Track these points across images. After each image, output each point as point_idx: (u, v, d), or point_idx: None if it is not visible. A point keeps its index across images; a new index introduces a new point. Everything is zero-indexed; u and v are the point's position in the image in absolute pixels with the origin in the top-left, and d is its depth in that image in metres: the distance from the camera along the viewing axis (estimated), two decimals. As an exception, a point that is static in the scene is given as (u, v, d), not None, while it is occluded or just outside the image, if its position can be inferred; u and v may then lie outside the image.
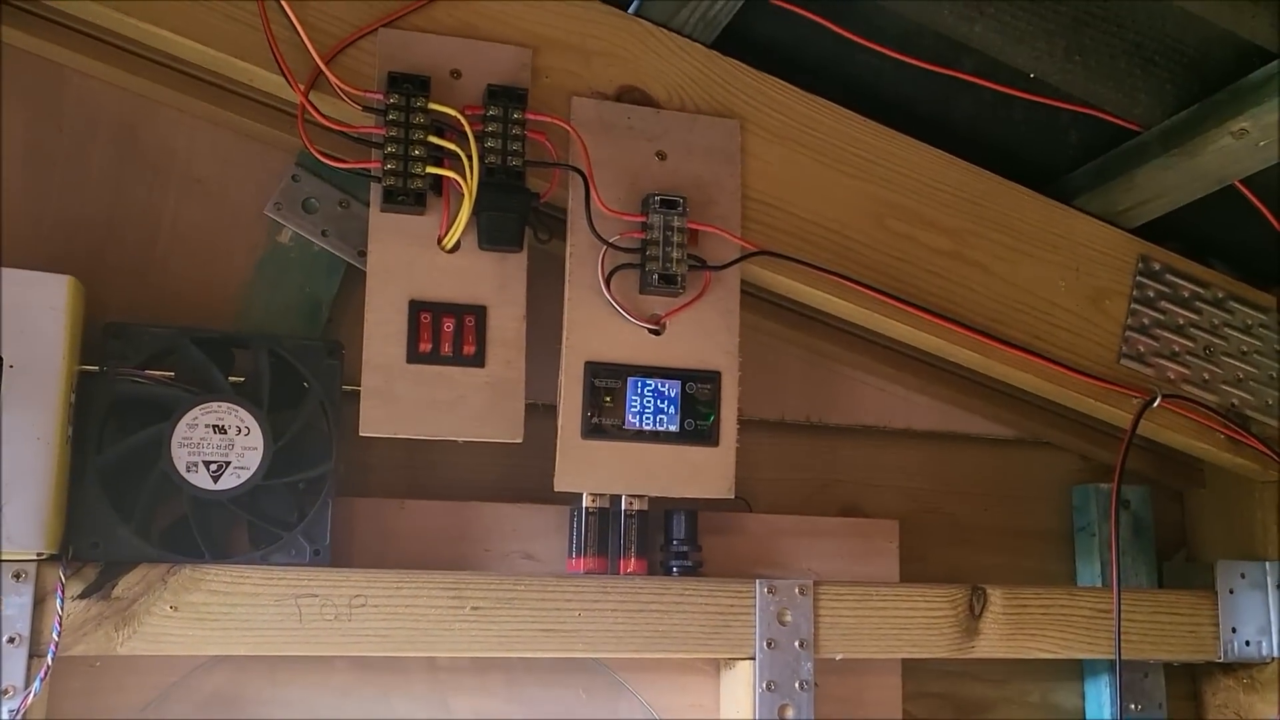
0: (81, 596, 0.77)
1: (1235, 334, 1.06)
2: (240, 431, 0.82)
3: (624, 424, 0.88)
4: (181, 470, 0.80)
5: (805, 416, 1.07)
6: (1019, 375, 1.00)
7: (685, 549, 0.94)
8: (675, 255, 0.88)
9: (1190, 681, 1.15)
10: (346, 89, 0.82)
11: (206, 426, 0.81)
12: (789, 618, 0.91)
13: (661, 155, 0.91)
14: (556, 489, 0.87)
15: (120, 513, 0.79)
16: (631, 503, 0.91)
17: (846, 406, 1.08)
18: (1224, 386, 1.05)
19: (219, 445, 0.81)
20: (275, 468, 0.83)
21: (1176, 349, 1.04)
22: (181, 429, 0.81)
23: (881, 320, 0.96)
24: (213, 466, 0.81)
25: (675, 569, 0.93)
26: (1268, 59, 0.87)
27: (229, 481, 0.81)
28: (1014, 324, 1.00)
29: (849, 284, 0.93)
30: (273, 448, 0.82)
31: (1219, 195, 0.99)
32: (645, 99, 0.92)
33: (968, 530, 1.11)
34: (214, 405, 0.82)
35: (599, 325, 0.88)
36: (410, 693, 0.91)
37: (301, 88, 0.82)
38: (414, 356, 0.83)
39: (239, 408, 0.82)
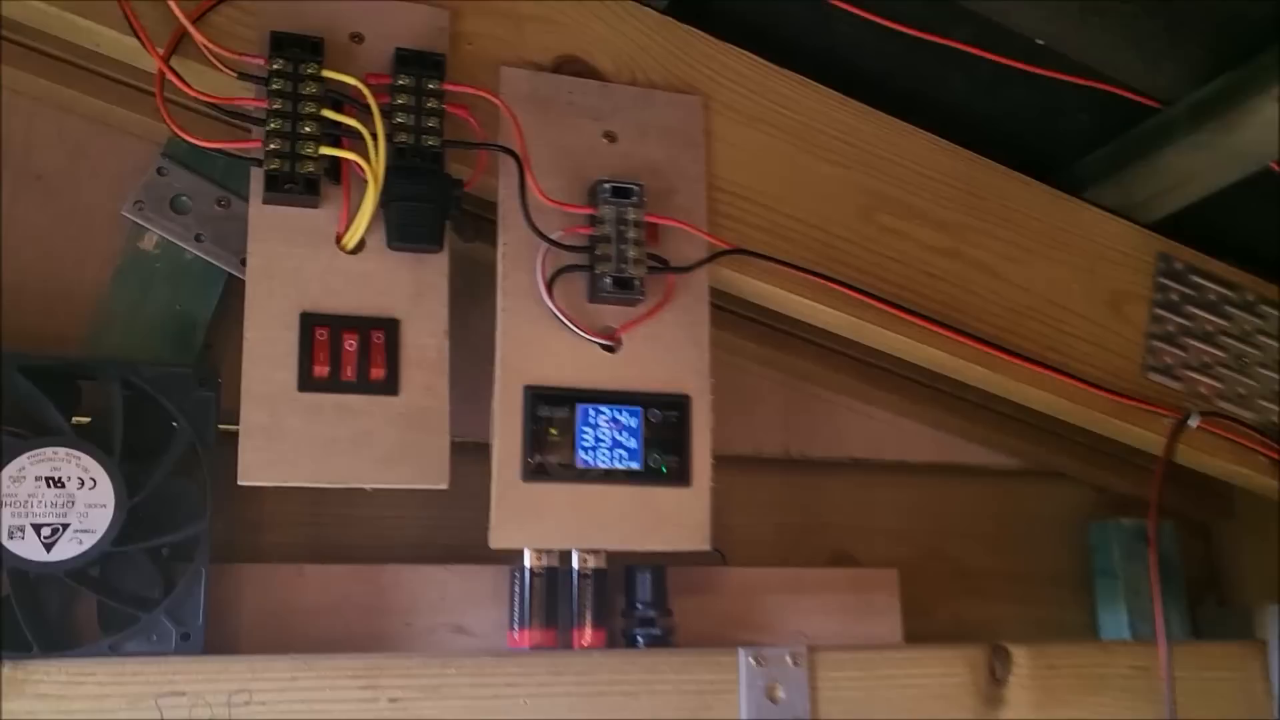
0: None
1: (1269, 341, 0.93)
2: (83, 484, 0.64)
3: (574, 462, 0.71)
4: (1, 537, 0.62)
5: (784, 450, 0.91)
6: (1032, 393, 0.86)
7: (653, 614, 0.77)
8: (631, 254, 0.72)
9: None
10: (217, 50, 0.66)
11: (37, 479, 0.63)
12: (781, 693, 0.74)
13: (610, 136, 0.76)
14: (493, 545, 0.69)
15: (-79, 595, 0.61)
16: (585, 559, 0.74)
17: (830, 437, 0.93)
18: (1261, 402, 0.92)
19: (54, 503, 0.63)
20: (131, 530, 0.65)
21: (1206, 360, 0.91)
22: (2, 484, 0.62)
23: (873, 331, 0.81)
24: (45, 531, 0.63)
25: (641, 639, 0.76)
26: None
27: (67, 550, 0.63)
28: (1025, 333, 0.85)
29: (835, 287, 0.78)
30: (127, 504, 0.64)
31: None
32: (589, 70, 0.77)
33: (974, 577, 0.96)
34: (47, 451, 0.64)
35: (540, 341, 0.72)
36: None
37: (160, 51, 0.65)
38: (307, 383, 0.66)
39: (81, 454, 0.64)
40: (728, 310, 0.86)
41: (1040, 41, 0.81)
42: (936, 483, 0.96)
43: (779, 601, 0.85)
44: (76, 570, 0.64)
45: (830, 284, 0.78)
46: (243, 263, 0.73)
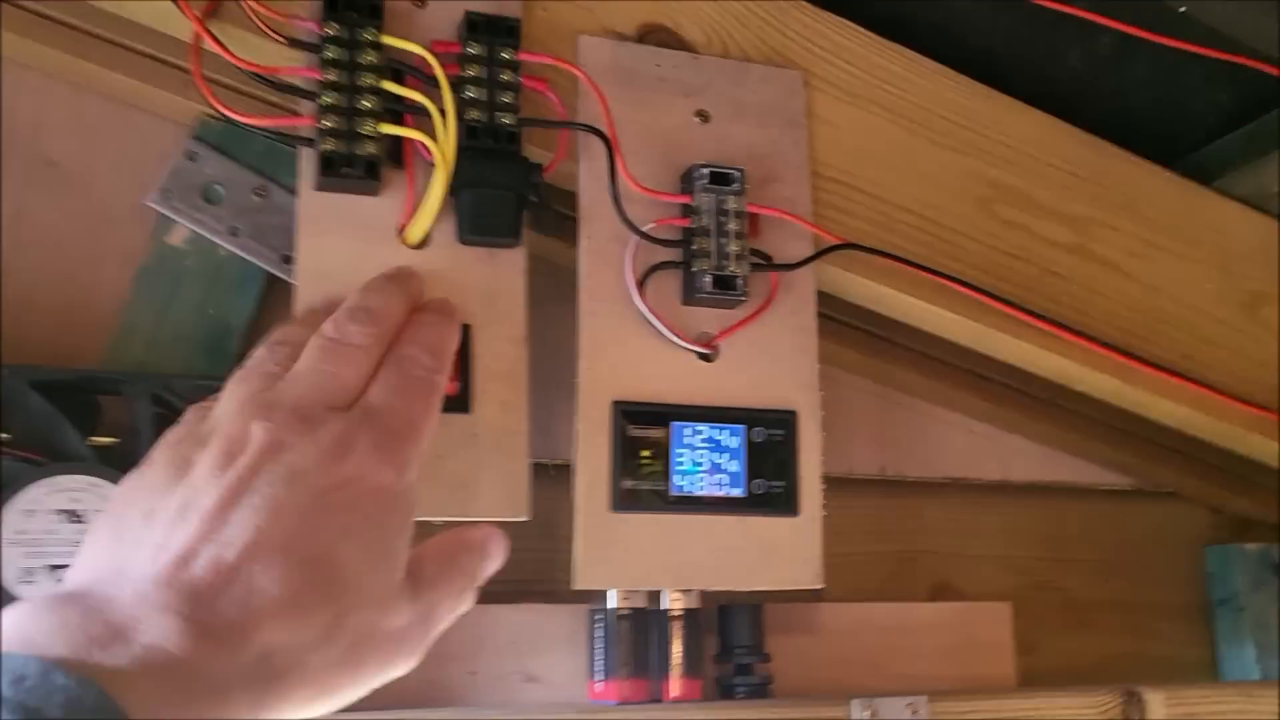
0: None
1: None
2: (107, 519, 0.54)
3: (669, 489, 0.62)
4: (10, 581, 0.52)
5: (879, 469, 0.82)
6: (1165, 406, 0.77)
7: (750, 660, 0.68)
8: (732, 249, 0.63)
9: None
10: (264, 12, 0.56)
11: (53, 512, 0.54)
12: (899, 750, 0.65)
13: (703, 116, 0.67)
14: (578, 586, 0.60)
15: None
16: (676, 598, 0.65)
17: (928, 454, 0.83)
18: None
19: (73, 540, 0.54)
20: (162, 571, 0.55)
21: (1349, 368, 0.82)
22: (12, 517, 0.53)
23: (995, 338, 0.72)
24: (62, 574, 0.53)
25: (740, 690, 0.67)
26: None
27: (89, 596, 0.54)
28: (1157, 339, 0.76)
29: (956, 288, 0.69)
30: (157, 541, 0.55)
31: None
32: (676, 41, 0.68)
33: (1084, 609, 0.87)
34: (64, 480, 0.54)
35: (629, 350, 0.62)
36: None
37: (196, 12, 0.56)
38: (368, 399, 0.56)
39: (104, 482, 0.55)
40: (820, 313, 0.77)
41: (1182, 9, 0.71)
42: (1040, 504, 0.87)
43: (881, 641, 0.75)
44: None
45: (951, 284, 0.69)
46: (285, 260, 0.65)
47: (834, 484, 0.80)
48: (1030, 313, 0.70)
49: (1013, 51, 0.77)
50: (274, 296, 0.65)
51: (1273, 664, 0.86)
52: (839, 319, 0.80)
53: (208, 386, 0.59)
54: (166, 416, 0.58)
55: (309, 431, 0.44)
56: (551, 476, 0.64)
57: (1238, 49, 0.74)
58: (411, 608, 0.46)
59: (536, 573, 0.67)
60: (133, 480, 0.44)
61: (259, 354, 0.49)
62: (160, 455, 0.45)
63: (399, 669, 0.47)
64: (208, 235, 0.65)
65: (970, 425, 0.85)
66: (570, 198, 0.64)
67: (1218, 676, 0.89)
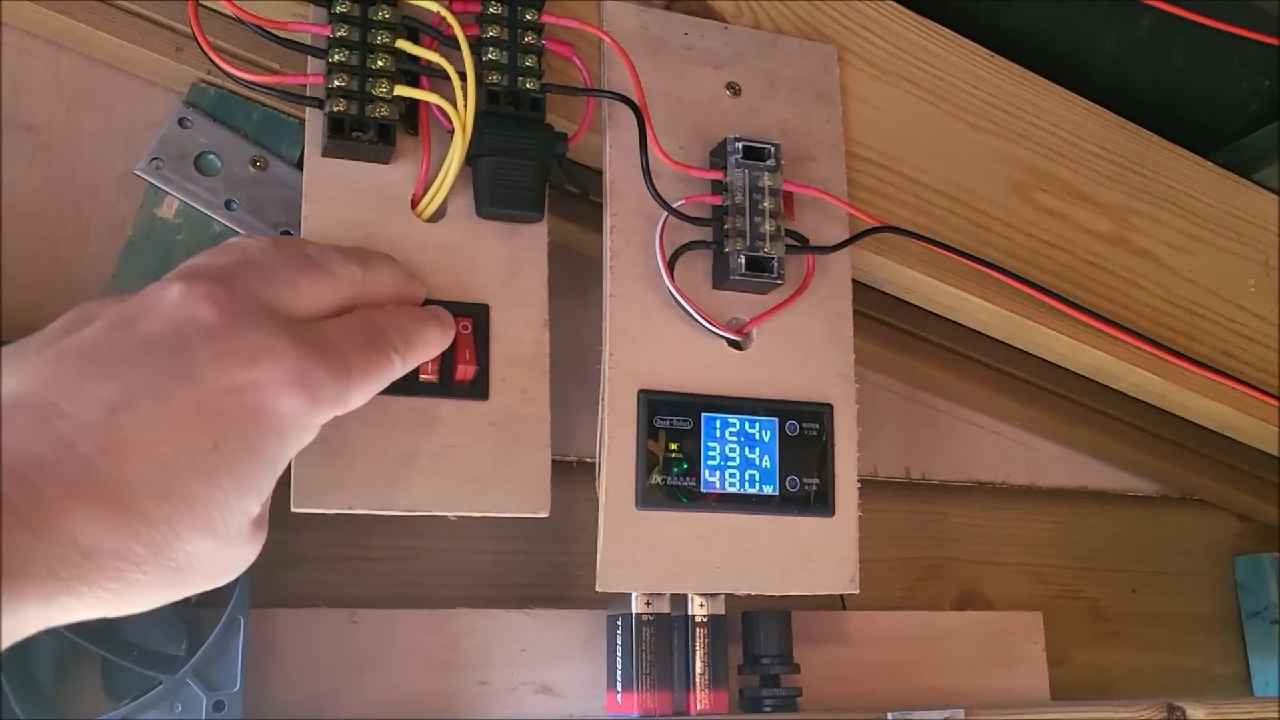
0: None
1: None
2: (89, 511, 0.49)
3: (699, 485, 0.57)
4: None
5: (905, 471, 0.78)
6: (1205, 405, 0.73)
7: (778, 670, 0.63)
8: (768, 229, 0.58)
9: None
10: (268, -39, 0.52)
11: (30, 504, 0.49)
12: (938, 767, 0.61)
13: (733, 89, 0.63)
14: (602, 588, 0.55)
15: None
16: (701, 604, 0.61)
17: (957, 457, 0.80)
18: None
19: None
20: (149, 569, 0.50)
21: (1389, 370, 0.78)
22: (-15, 509, 0.48)
23: (1032, 329, 0.68)
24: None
25: (768, 703, 0.62)
26: None
27: (68, 595, 0.48)
28: (1198, 335, 0.73)
29: (996, 275, 0.65)
30: (145, 536, 0.50)
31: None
32: (705, 10, 0.64)
33: (1114, 620, 0.83)
34: (43, 468, 0.49)
35: (656, 336, 0.58)
36: None
37: (193, -40, 0.51)
38: (378, 383, 0.52)
39: (87, 471, 0.50)
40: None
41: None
42: (1068, 510, 0.83)
43: (910, 652, 0.71)
44: (78, 622, 0.49)
45: (989, 270, 0.65)
46: (285, 235, 0.60)
47: (859, 486, 0.76)
48: (1069, 303, 0.67)
49: (1048, 34, 0.74)
50: (272, 275, 0.60)
51: (1307, 678, 0.83)
52: (864, 312, 0.76)
53: (201, 369, 0.54)
54: (156, 400, 0.53)
55: (230, 317, 0.39)
56: (569, 474, 0.59)
57: (1281, 32, 0.71)
58: (253, 545, 0.41)
59: (552, 577, 0.63)
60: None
61: (249, 239, 0.44)
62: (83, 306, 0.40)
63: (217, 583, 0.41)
64: (200, 208, 0.60)
65: (998, 427, 0.81)
66: (590, 176, 0.60)
67: (1250, 691, 0.85)
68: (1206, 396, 0.72)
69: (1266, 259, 0.76)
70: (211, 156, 0.61)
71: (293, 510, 0.50)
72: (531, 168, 0.55)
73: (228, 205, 0.60)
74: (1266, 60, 0.74)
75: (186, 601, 0.51)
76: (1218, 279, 0.74)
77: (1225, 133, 0.79)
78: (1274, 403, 0.73)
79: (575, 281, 0.62)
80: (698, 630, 0.60)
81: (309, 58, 0.53)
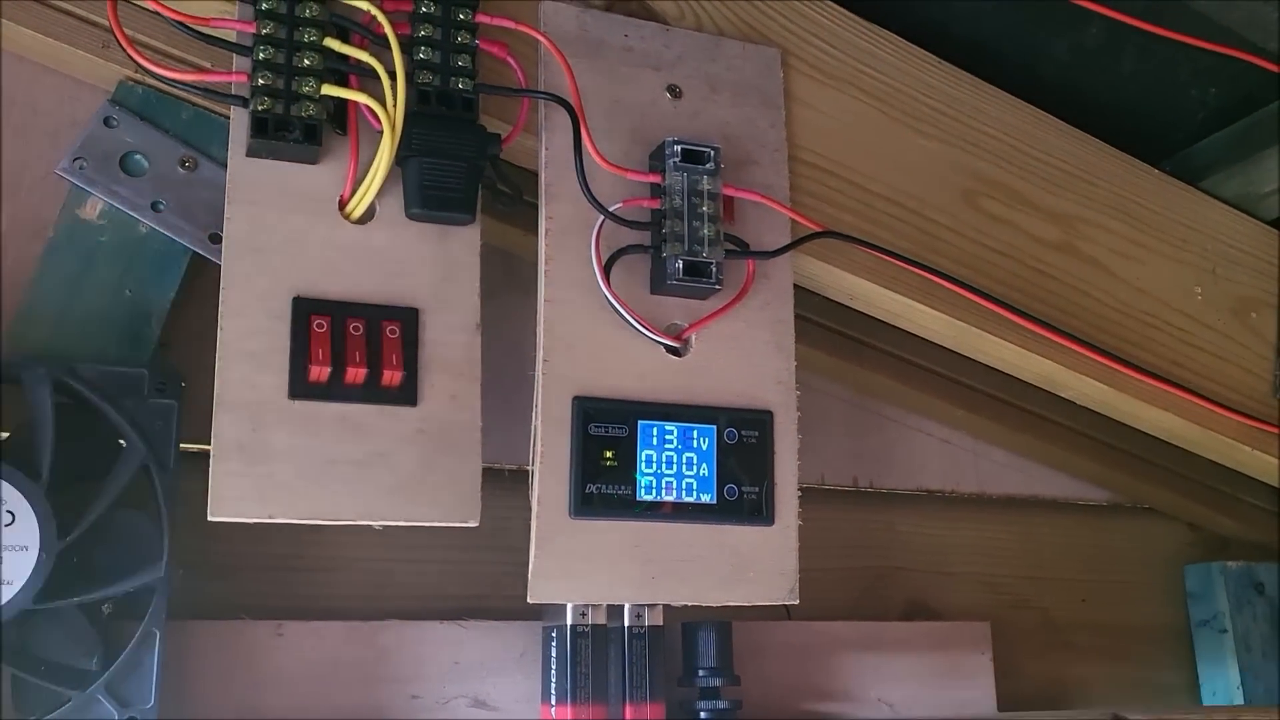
0: None
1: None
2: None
3: (636, 493, 0.56)
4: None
5: (852, 479, 0.77)
6: (1152, 414, 0.73)
7: (717, 682, 0.62)
8: (706, 233, 0.58)
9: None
10: (191, -44, 0.51)
11: (-65, 513, 0.47)
12: (879, 782, 0.60)
13: (674, 91, 0.62)
14: (533, 599, 0.54)
15: None
16: (638, 615, 0.59)
17: (906, 465, 0.79)
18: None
19: (-43, 545, 0.47)
20: (61, 579, 0.49)
21: (1340, 378, 0.78)
22: (-115, 518, 0.46)
23: (978, 337, 0.68)
24: (-57, 581, 0.47)
25: (705, 714, 0.61)
26: None
27: (-26, 607, 0.47)
28: (1146, 344, 0.73)
29: (941, 283, 0.65)
30: (56, 546, 0.49)
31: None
32: (646, 11, 0.63)
33: (1063, 629, 0.82)
34: (-52, 476, 0.48)
35: (592, 341, 0.57)
36: None
37: (114, -46, 0.50)
38: (301, 389, 0.50)
39: (-4, 480, 0.48)
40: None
41: (1179, -7, 0.68)
42: (1018, 519, 0.83)
43: (854, 663, 0.70)
44: (-14, 635, 0.47)
45: (935, 278, 0.64)
46: (212, 239, 0.59)
47: (805, 494, 0.75)
48: (1017, 311, 0.66)
49: (998, 41, 0.74)
50: (199, 278, 0.59)
51: (1258, 687, 0.82)
52: (811, 319, 0.75)
53: (121, 374, 0.53)
54: (70, 408, 0.52)
55: None
56: (504, 483, 0.58)
57: (1231, 40, 0.71)
58: None
59: (486, 588, 0.62)
60: None
61: None
62: None
63: None
64: (126, 209, 0.58)
65: (947, 435, 0.81)
66: (525, 179, 0.59)
67: (1198, 700, 0.85)
68: (1155, 406, 0.72)
69: (1214, 266, 0.76)
70: (138, 156, 0.59)
71: (210, 519, 0.48)
72: (463, 169, 0.53)
73: (154, 206, 0.59)
74: (1215, 69, 0.74)
75: (100, 613, 0.50)
76: (1166, 288, 0.74)
77: (1173, 141, 0.79)
78: (1223, 412, 0.73)
79: (515, 285, 0.61)
80: (634, 642, 0.59)
81: (234, 55, 0.52)
